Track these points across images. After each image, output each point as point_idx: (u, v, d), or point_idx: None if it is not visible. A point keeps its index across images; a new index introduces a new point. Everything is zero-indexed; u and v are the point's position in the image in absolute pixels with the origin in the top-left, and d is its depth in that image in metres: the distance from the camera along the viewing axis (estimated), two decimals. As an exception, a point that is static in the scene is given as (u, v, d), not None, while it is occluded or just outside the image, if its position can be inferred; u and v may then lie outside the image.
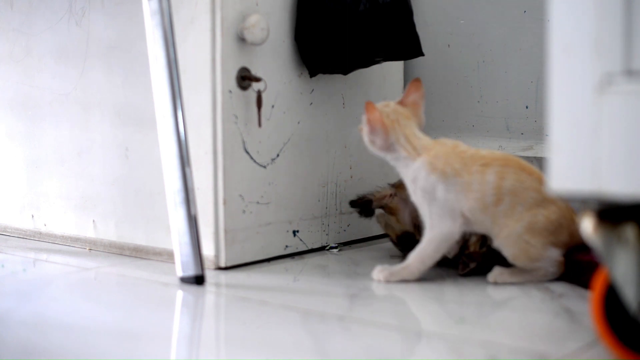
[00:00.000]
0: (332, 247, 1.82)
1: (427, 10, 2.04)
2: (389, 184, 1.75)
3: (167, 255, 1.67)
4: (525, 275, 1.48)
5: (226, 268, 1.61)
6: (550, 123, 0.97)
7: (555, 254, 1.47)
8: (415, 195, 1.50)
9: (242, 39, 1.60)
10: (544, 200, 1.45)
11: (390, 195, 1.72)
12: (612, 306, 1.04)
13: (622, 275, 0.98)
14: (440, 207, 1.46)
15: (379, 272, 1.51)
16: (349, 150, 1.88)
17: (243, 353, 1.13)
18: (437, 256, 1.49)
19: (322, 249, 1.81)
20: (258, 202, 1.67)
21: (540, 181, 1.45)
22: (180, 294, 1.43)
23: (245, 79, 1.61)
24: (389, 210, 1.72)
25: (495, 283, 1.48)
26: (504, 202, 1.44)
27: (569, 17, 0.95)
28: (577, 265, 1.50)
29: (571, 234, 1.47)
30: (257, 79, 1.62)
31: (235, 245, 1.63)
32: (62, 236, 1.88)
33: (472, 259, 1.55)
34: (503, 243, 1.46)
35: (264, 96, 1.65)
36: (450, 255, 1.57)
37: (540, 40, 1.86)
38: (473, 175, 1.45)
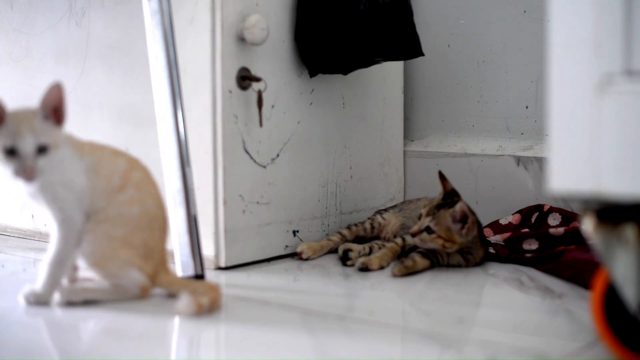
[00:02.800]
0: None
1: (427, 10, 2.04)
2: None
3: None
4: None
5: (226, 268, 1.61)
6: (550, 123, 0.97)
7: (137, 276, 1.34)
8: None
9: (242, 39, 1.60)
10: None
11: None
12: (612, 306, 1.04)
13: (622, 275, 0.98)
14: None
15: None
16: (349, 150, 1.88)
17: (243, 353, 1.13)
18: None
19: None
20: (258, 202, 1.67)
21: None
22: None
23: (245, 79, 1.61)
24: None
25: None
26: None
27: (569, 17, 0.95)
28: (576, 265, 1.50)
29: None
30: (257, 79, 1.62)
31: (235, 245, 1.63)
32: (62, 236, 1.88)
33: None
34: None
35: (264, 96, 1.65)
36: None
37: (540, 40, 1.86)
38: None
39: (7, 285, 1.50)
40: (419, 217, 1.65)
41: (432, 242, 1.60)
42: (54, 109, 1.29)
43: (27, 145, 1.25)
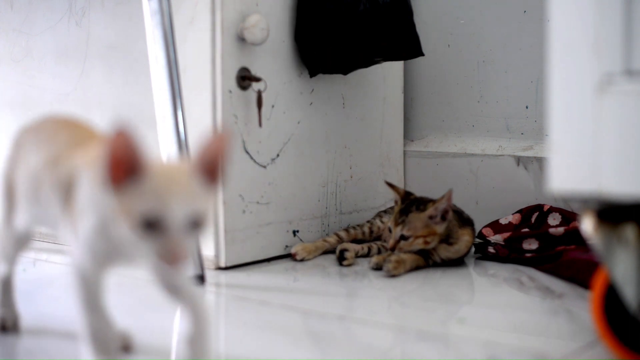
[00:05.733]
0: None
1: (427, 10, 2.04)
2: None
3: (167, 255, 1.67)
4: None
5: (226, 268, 1.61)
6: (550, 123, 0.97)
7: None
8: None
9: (242, 39, 1.60)
10: None
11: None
12: (612, 306, 1.04)
13: (622, 275, 0.98)
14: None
15: None
16: (349, 150, 1.88)
17: (243, 353, 1.13)
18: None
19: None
20: (258, 202, 1.67)
21: None
22: (180, 294, 1.43)
23: (245, 79, 1.61)
24: None
25: None
26: None
27: (569, 17, 0.95)
28: (576, 265, 1.50)
29: None
30: (257, 79, 1.62)
31: (235, 245, 1.63)
32: (62, 236, 1.88)
33: None
34: None
35: (264, 96, 1.65)
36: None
37: (540, 40, 1.85)
38: None
39: (7, 285, 1.50)
40: (390, 231, 1.64)
41: (414, 246, 1.60)
42: (210, 165, 0.89)
43: (178, 217, 0.84)
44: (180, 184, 0.85)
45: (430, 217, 1.60)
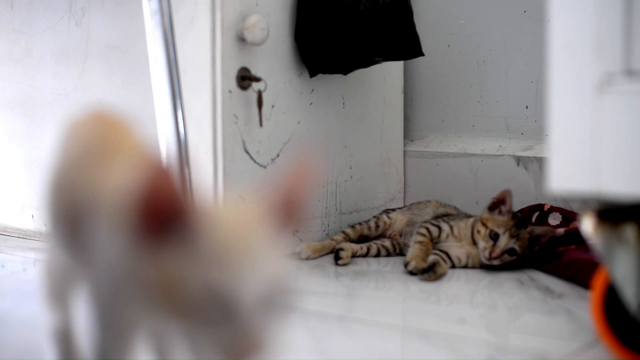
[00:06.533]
0: None
1: (427, 10, 2.04)
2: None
3: (167, 255, 1.67)
4: None
5: (226, 268, 1.61)
6: (550, 123, 0.97)
7: None
8: None
9: (242, 39, 1.60)
10: None
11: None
12: (612, 306, 1.04)
13: (622, 275, 0.98)
14: None
15: None
16: (349, 150, 1.88)
17: (243, 353, 1.13)
18: None
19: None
20: (258, 202, 1.67)
21: None
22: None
23: (245, 79, 1.61)
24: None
25: None
26: None
27: (569, 17, 0.95)
28: (576, 265, 1.50)
29: None
30: (257, 79, 1.62)
31: (235, 245, 1.62)
32: (62, 236, 1.88)
33: None
34: None
35: (264, 96, 1.64)
36: None
37: (540, 40, 1.85)
38: None
39: (7, 285, 1.50)
40: (493, 237, 1.57)
41: (507, 260, 1.58)
42: (287, 203, 0.70)
43: (251, 294, 0.62)
44: (251, 241, 0.61)
45: (534, 238, 1.59)
